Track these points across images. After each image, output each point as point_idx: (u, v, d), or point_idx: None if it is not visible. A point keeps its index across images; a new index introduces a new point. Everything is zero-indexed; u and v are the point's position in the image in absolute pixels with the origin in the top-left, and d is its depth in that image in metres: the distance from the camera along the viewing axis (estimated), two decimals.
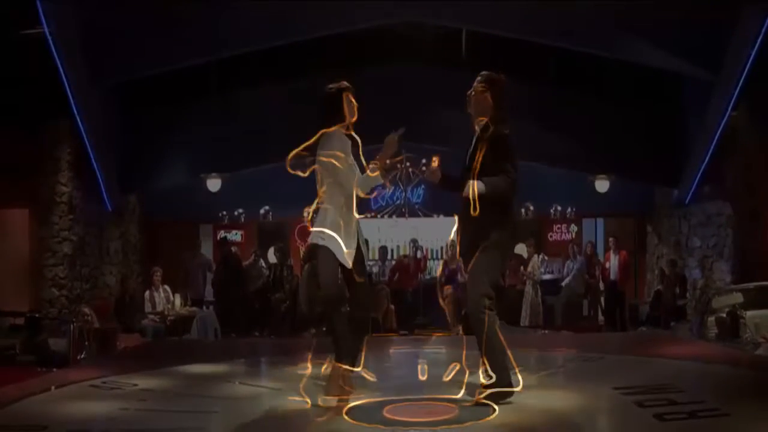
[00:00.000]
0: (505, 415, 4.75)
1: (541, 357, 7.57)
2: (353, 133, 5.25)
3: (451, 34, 14.34)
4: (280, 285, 13.72)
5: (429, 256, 15.91)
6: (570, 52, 13.64)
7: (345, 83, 5.23)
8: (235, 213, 16.08)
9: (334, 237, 5.03)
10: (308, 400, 5.03)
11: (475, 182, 5.07)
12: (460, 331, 10.94)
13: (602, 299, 14.70)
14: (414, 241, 15.19)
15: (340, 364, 4.99)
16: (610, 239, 15.00)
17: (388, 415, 4.82)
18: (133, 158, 13.78)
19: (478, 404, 4.99)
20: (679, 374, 6.06)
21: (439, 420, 4.67)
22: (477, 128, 5.34)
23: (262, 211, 15.83)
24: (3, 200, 12.32)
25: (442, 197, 5.61)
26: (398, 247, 16.01)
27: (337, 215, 5.07)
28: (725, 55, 11.68)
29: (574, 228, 16.65)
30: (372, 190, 5.30)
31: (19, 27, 11.14)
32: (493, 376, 5.06)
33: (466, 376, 5.19)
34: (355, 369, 5.24)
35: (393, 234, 16.00)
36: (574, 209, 16.21)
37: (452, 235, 5.40)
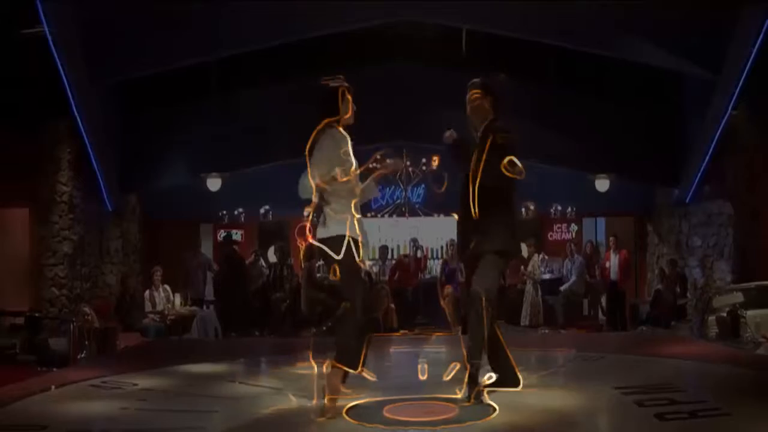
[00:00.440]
0: (505, 415, 4.75)
1: (541, 356, 7.57)
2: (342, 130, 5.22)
3: (451, 34, 14.33)
4: (280, 284, 13.72)
5: (429, 256, 15.91)
6: (570, 52, 13.63)
7: (344, 82, 5.22)
8: (235, 212, 16.06)
9: (342, 234, 5.01)
10: (314, 399, 5.02)
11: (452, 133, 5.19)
12: (460, 331, 10.93)
13: (603, 299, 14.69)
14: (414, 241, 15.18)
15: (339, 365, 4.97)
16: (610, 238, 15.00)
17: (388, 415, 4.82)
18: (133, 158, 13.77)
19: (477, 404, 4.99)
20: (679, 374, 6.07)
21: (439, 419, 4.67)
22: (477, 133, 5.36)
23: (262, 211, 15.81)
24: (3, 199, 12.32)
25: (442, 197, 5.58)
26: (398, 246, 16.01)
27: (341, 212, 5.05)
28: (725, 54, 11.67)
29: (574, 227, 16.65)
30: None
31: (19, 26, 11.13)
32: (493, 374, 5.09)
33: (467, 375, 5.18)
34: (356, 371, 5.24)
35: (393, 233, 15.99)
36: (574, 208, 16.19)
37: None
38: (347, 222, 5.02)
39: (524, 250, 14.37)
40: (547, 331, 12.67)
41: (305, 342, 5.59)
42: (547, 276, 14.39)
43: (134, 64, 12.25)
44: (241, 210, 16.02)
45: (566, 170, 14.71)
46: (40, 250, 12.53)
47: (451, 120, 5.48)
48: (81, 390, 5.89)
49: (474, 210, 5.17)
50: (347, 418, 4.78)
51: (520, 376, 5.40)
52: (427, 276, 14.98)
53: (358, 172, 5.18)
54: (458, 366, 5.89)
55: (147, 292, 12.65)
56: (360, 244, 5.09)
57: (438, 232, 15.55)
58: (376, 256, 15.30)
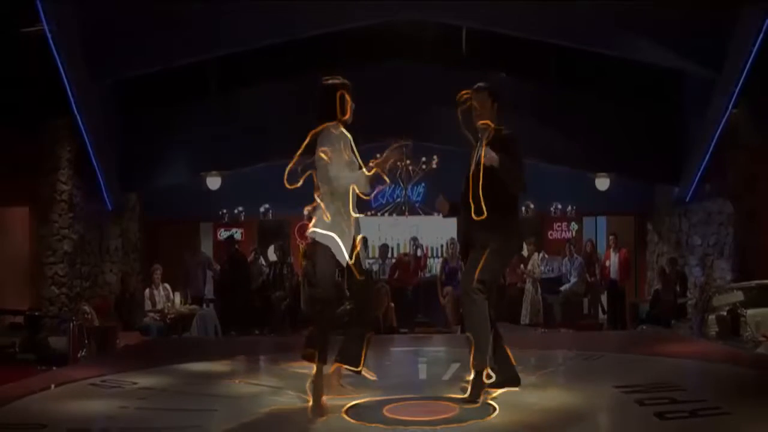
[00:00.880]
0: (506, 414, 4.75)
1: (541, 355, 7.56)
2: (344, 130, 5.22)
3: (451, 33, 14.33)
4: (281, 283, 13.73)
5: (429, 254, 15.91)
6: (570, 51, 13.63)
7: (343, 80, 5.22)
8: (235, 211, 16.07)
9: (332, 235, 5.02)
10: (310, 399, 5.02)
11: (491, 151, 5.09)
12: (460, 330, 10.93)
13: (603, 298, 14.69)
14: (414, 239, 15.19)
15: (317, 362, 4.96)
16: (610, 237, 15.01)
17: (388, 414, 4.82)
18: (133, 156, 13.76)
19: (478, 403, 4.99)
20: (679, 373, 6.07)
21: (440, 419, 4.66)
22: (480, 135, 5.36)
23: (262, 209, 15.82)
24: (3, 198, 12.31)
25: (453, 207, 5.59)
26: (398, 245, 16.00)
27: (336, 212, 5.06)
28: (726, 52, 11.68)
29: (574, 226, 16.65)
30: (372, 189, 5.30)
31: (19, 25, 11.13)
32: (492, 372, 5.08)
33: (472, 374, 5.16)
34: (355, 369, 5.24)
35: (393, 232, 15.99)
36: (574, 207, 16.20)
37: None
38: (335, 224, 5.03)
39: (524, 248, 14.39)
40: (546, 330, 12.65)
41: (305, 341, 5.56)
42: (547, 275, 14.38)
43: (134, 63, 12.25)
44: (241, 209, 16.03)
45: (566, 169, 14.72)
46: (40, 248, 12.53)
47: (452, 119, 5.47)
48: (81, 389, 5.89)
49: (475, 209, 5.18)
50: (347, 417, 4.78)
51: (520, 376, 5.40)
52: (427, 275, 14.98)
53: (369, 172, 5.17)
54: (458, 365, 5.89)
55: (147, 291, 12.64)
56: (356, 244, 5.09)
57: (438, 231, 15.55)
58: (376, 255, 15.30)
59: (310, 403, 4.89)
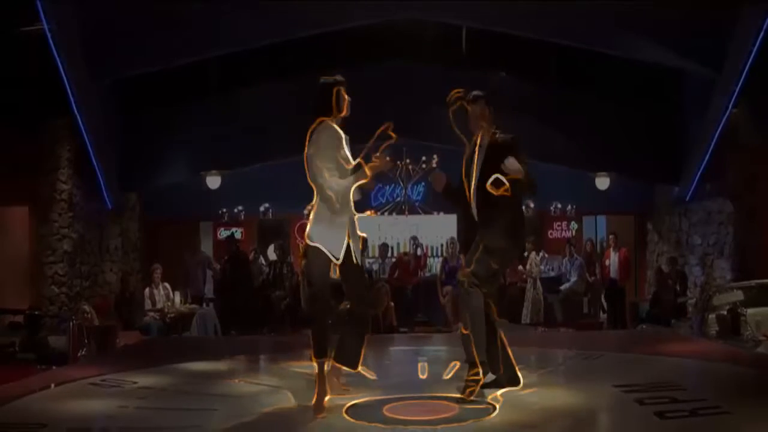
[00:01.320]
0: (505, 413, 4.75)
1: (541, 355, 7.56)
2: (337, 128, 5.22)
3: (451, 32, 14.32)
4: (280, 282, 13.71)
5: (429, 254, 15.90)
6: (570, 50, 13.63)
7: (339, 77, 5.23)
8: (235, 210, 16.07)
9: (327, 234, 5.02)
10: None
11: (514, 160, 5.08)
12: (461, 329, 10.92)
13: (603, 297, 14.68)
14: (414, 239, 15.18)
15: (317, 359, 4.96)
16: (610, 236, 15.00)
17: (388, 414, 4.82)
18: (133, 156, 13.76)
19: (477, 403, 4.99)
20: (679, 372, 6.06)
21: (439, 418, 4.66)
22: (477, 139, 5.36)
23: (262, 209, 15.82)
24: (3, 198, 12.31)
25: (449, 185, 5.57)
26: (398, 244, 15.99)
27: (331, 211, 5.06)
28: (726, 52, 11.68)
29: (574, 225, 16.65)
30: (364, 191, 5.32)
31: (19, 24, 11.12)
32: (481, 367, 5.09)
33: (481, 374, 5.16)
34: (353, 369, 5.23)
35: (393, 231, 15.98)
36: (574, 207, 16.19)
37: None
38: (329, 223, 5.03)
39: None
40: (546, 329, 12.64)
41: (305, 340, 5.57)
42: (546, 274, 14.38)
43: (134, 63, 12.25)
44: (240, 208, 16.03)
45: (566, 168, 14.71)
46: (40, 248, 12.52)
47: (461, 121, 5.49)
48: (80, 388, 5.89)
49: (475, 212, 5.21)
50: (347, 416, 4.78)
51: (520, 376, 5.40)
52: (427, 274, 14.97)
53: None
54: (458, 364, 5.89)
55: (147, 290, 12.63)
56: (342, 246, 5.09)
57: (438, 230, 15.55)
58: (376, 254, 15.30)
59: (312, 401, 4.89)
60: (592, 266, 14.49)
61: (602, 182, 14.73)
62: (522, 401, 5.06)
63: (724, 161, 12.99)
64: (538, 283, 13.98)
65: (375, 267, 14.97)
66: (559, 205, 16.13)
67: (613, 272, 14.30)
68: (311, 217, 5.14)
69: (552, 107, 13.99)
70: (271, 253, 14.89)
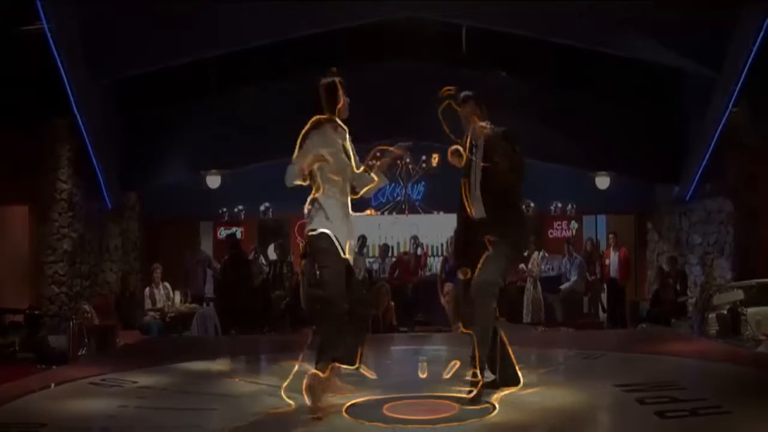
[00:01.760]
0: (506, 413, 4.74)
1: (541, 354, 7.56)
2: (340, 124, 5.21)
3: (451, 31, 14.32)
4: (280, 282, 13.71)
5: (429, 253, 15.91)
6: (570, 50, 13.62)
7: (337, 77, 5.22)
8: (235, 210, 16.07)
9: (335, 229, 5.01)
10: (291, 403, 4.98)
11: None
12: (460, 329, 10.91)
13: (603, 296, 14.69)
14: (414, 238, 15.18)
15: (319, 371, 4.89)
16: (610, 236, 15.00)
17: (388, 413, 4.81)
18: (133, 155, 13.76)
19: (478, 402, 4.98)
20: (680, 371, 6.06)
21: (439, 418, 4.66)
22: (475, 138, 5.35)
23: (262, 208, 15.82)
24: (3, 197, 12.31)
25: (442, 194, 5.57)
26: (399, 243, 16.00)
27: (335, 207, 5.05)
28: (726, 51, 11.67)
29: (574, 225, 16.65)
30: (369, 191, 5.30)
31: (19, 24, 11.12)
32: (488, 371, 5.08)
33: (480, 374, 5.14)
34: (352, 367, 5.22)
35: (393, 231, 15.99)
36: (574, 206, 16.20)
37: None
38: (331, 220, 5.02)
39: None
40: (546, 329, 12.64)
41: (305, 339, 5.56)
42: (547, 273, 14.37)
43: (134, 62, 12.24)
44: (240, 207, 16.03)
45: (566, 168, 14.71)
46: (40, 247, 12.52)
47: (451, 118, 5.47)
48: (80, 388, 5.89)
49: (476, 212, 5.20)
50: (347, 416, 4.78)
51: (520, 375, 5.40)
52: (428, 273, 14.97)
53: (360, 170, 5.18)
54: (458, 364, 5.89)
55: (147, 290, 12.64)
56: (346, 244, 5.07)
57: (438, 229, 15.54)
58: (376, 254, 15.31)
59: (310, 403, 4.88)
60: (592, 266, 14.49)
61: (602, 182, 14.73)
62: (522, 401, 5.06)
63: (724, 161, 12.99)
64: (538, 282, 13.99)
65: (375, 266, 14.98)
66: (559, 205, 16.14)
67: (613, 272, 14.31)
68: (315, 215, 5.11)
69: (552, 107, 13.99)
70: (271, 253, 14.89)
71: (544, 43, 13.43)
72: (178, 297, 12.84)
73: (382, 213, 15.67)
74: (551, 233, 16.57)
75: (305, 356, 5.26)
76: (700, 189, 13.63)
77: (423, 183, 15.39)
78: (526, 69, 14.62)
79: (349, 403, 5.03)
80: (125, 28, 11.65)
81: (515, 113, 12.91)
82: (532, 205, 15.18)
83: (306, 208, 5.19)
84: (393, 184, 15.68)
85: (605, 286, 14.61)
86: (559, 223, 16.63)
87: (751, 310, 9.68)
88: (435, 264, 15.34)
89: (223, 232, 16.32)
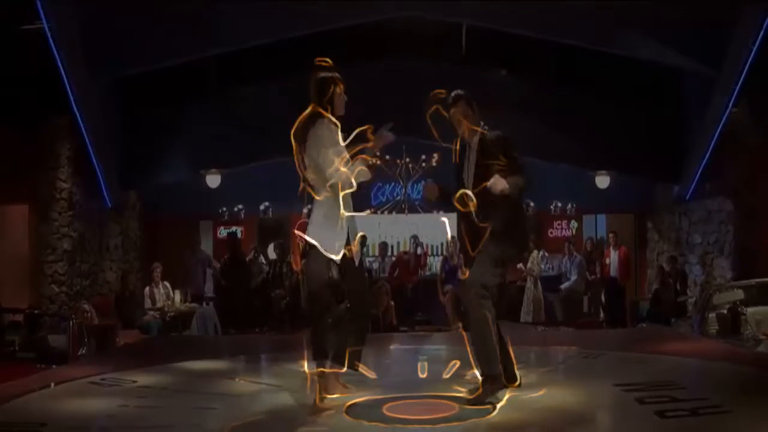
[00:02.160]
0: (505, 413, 4.74)
1: (541, 354, 7.56)
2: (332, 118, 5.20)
3: (451, 31, 14.31)
4: (280, 281, 13.71)
5: (429, 253, 15.91)
6: (570, 49, 13.62)
7: (336, 74, 5.22)
8: (235, 209, 16.07)
9: (326, 233, 5.00)
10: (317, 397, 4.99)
11: (500, 179, 4.94)
12: (460, 328, 10.92)
13: (603, 295, 14.68)
14: (414, 238, 15.17)
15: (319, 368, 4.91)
16: (610, 235, 15.00)
17: (388, 413, 4.81)
18: (132, 154, 13.76)
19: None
20: (680, 371, 6.05)
21: (439, 417, 4.65)
22: (466, 139, 5.32)
23: (262, 207, 15.83)
24: (3, 196, 12.31)
25: (443, 193, 5.53)
26: (398, 243, 16.00)
27: (331, 208, 5.05)
28: (726, 51, 11.67)
29: (574, 224, 16.65)
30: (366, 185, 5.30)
31: (19, 23, 11.11)
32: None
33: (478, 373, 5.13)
34: (342, 369, 5.21)
35: (393, 230, 15.98)
36: (574, 205, 16.20)
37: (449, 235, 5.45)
38: (327, 221, 5.02)
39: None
40: (546, 328, 12.64)
41: (305, 339, 5.56)
42: (546, 273, 14.37)
43: (134, 61, 12.24)
44: (240, 207, 16.03)
45: (566, 167, 14.71)
46: (40, 247, 12.52)
47: (442, 121, 5.46)
48: (80, 387, 5.88)
49: (466, 213, 5.18)
50: (347, 416, 4.77)
51: (518, 374, 5.38)
52: (428, 273, 14.97)
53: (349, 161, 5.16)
54: (458, 363, 5.88)
55: (147, 289, 12.63)
56: (343, 240, 5.06)
57: (438, 229, 15.50)
58: (376, 253, 15.31)
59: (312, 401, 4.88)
60: (592, 265, 14.49)
61: (602, 181, 14.72)
62: (522, 400, 5.05)
63: (724, 160, 12.99)
64: (539, 282, 13.99)
65: (375, 266, 14.98)
66: (559, 204, 16.14)
67: (613, 271, 14.30)
68: (312, 216, 5.13)
69: (552, 106, 13.99)
70: (271, 252, 14.89)
71: (544, 42, 13.43)
72: (177, 296, 12.83)
73: (382, 212, 15.66)
74: (551, 232, 16.58)
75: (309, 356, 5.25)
76: (701, 188, 13.63)
77: (423, 182, 15.37)
78: (526, 68, 14.62)
79: (349, 403, 5.03)
80: (125, 28, 11.65)
81: (515, 112, 12.97)
82: (531, 204, 15.17)
83: (307, 208, 5.20)
84: (393, 184, 15.68)
85: (605, 286, 14.61)
86: (559, 222, 16.64)
87: (751, 309, 9.68)
88: (435, 263, 15.34)
89: (223, 231, 16.33)
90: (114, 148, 13.36)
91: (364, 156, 5.14)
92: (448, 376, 5.93)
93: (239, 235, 15.63)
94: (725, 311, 9.83)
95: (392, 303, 12.23)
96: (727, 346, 8.00)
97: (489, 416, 4.67)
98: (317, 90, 5.17)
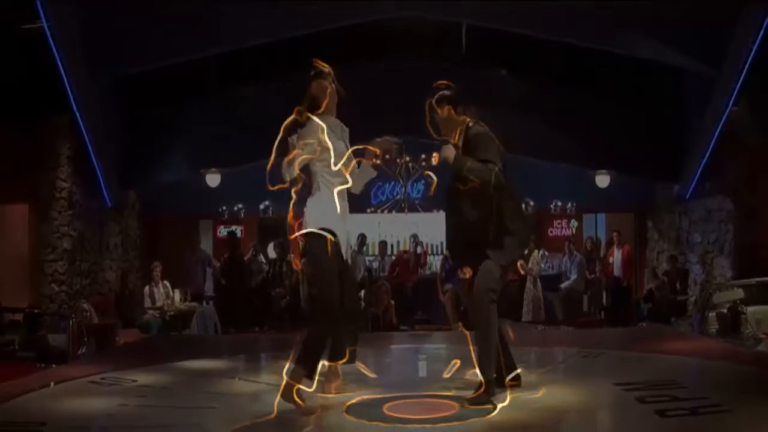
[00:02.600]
0: (506, 412, 4.74)
1: (541, 353, 7.55)
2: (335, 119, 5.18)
3: (451, 30, 14.31)
4: (280, 280, 13.71)
5: (429, 252, 15.91)
6: (571, 49, 13.62)
7: (324, 69, 5.22)
8: (235, 208, 16.07)
9: (324, 228, 5.00)
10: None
11: (451, 148, 5.03)
12: (460, 327, 10.91)
13: (603, 295, 14.68)
14: (414, 237, 15.17)
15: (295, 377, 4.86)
16: (614, 234, 14.98)
17: (388, 412, 4.81)
18: (132, 153, 13.75)
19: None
20: (680, 370, 6.05)
21: (440, 417, 4.65)
22: (456, 139, 5.27)
23: (261, 207, 15.82)
24: (3, 196, 12.31)
25: (443, 193, 5.52)
26: (398, 242, 16.00)
27: (328, 204, 5.04)
28: (726, 50, 11.67)
29: (574, 223, 16.65)
30: (366, 185, 5.29)
31: (19, 22, 11.10)
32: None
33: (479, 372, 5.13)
34: (341, 361, 5.18)
35: (393, 229, 15.99)
36: (574, 205, 16.20)
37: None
38: (323, 214, 5.00)
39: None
40: (545, 327, 12.64)
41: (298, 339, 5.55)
42: (546, 272, 14.37)
43: (134, 60, 12.24)
44: (240, 206, 16.03)
45: (566, 166, 14.72)
46: (40, 246, 12.52)
47: None
48: (80, 386, 5.88)
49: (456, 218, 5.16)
50: (347, 415, 4.77)
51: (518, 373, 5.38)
52: (428, 272, 14.97)
53: (352, 163, 5.16)
54: (458, 363, 5.88)
55: (146, 288, 12.64)
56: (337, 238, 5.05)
57: (438, 228, 15.53)
58: (376, 252, 15.30)
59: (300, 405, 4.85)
60: (592, 264, 14.49)
61: (602, 180, 14.72)
62: (522, 400, 5.05)
63: (724, 159, 12.99)
64: (538, 281, 13.99)
65: (375, 265, 14.97)
66: (559, 203, 16.14)
67: (617, 270, 14.29)
68: (308, 208, 5.11)
69: (552, 105, 13.98)
70: (271, 252, 14.89)
71: (544, 41, 13.43)
72: (177, 295, 12.84)
73: (382, 211, 15.66)
74: (551, 232, 16.59)
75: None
76: (700, 187, 13.63)
77: (422, 181, 15.38)
78: (526, 68, 14.61)
79: (349, 403, 5.02)
80: (125, 27, 11.64)
81: (515, 112, 12.96)
82: (531, 203, 15.18)
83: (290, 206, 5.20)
84: (393, 183, 15.68)
85: (605, 284, 14.60)
86: (559, 221, 16.64)
87: (751, 308, 9.67)
88: (435, 262, 15.34)
89: (222, 231, 16.33)
90: (114, 148, 13.36)
91: (365, 159, 5.14)
92: (448, 375, 5.94)
93: (239, 234, 15.63)
94: (725, 310, 9.83)
95: (392, 302, 12.23)
96: (727, 345, 8.00)
97: (489, 416, 4.67)
98: (306, 92, 5.18)
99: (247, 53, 13.61)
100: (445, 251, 14.22)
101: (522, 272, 13.92)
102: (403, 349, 8.48)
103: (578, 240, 15.44)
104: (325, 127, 5.05)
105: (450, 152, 5.04)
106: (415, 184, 15.67)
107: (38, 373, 7.07)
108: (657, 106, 14.42)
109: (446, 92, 5.28)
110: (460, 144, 5.20)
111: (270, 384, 5.86)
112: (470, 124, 5.21)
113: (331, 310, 4.92)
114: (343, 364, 5.24)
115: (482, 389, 4.96)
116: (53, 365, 8.06)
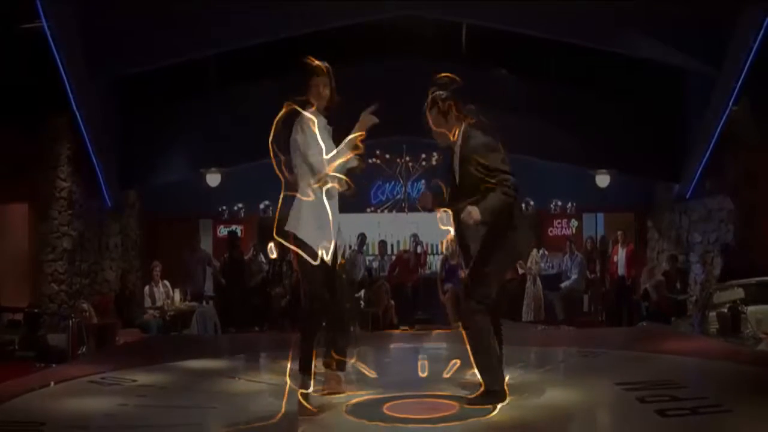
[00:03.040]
0: (506, 412, 4.73)
1: (541, 353, 7.55)
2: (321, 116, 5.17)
3: (451, 30, 14.30)
4: (280, 280, 13.72)
5: (429, 251, 15.90)
6: (571, 48, 13.61)
7: (318, 65, 5.21)
8: (235, 208, 16.07)
9: (309, 233, 4.97)
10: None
11: (474, 209, 4.80)
12: (461, 327, 10.90)
13: (603, 294, 14.67)
14: (414, 236, 15.16)
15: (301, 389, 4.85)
16: (618, 233, 14.91)
17: (388, 412, 4.81)
18: (132, 153, 13.75)
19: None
20: (680, 370, 6.05)
21: (440, 417, 4.65)
22: (451, 140, 5.20)
23: (261, 206, 15.82)
24: (3, 195, 12.30)
25: (437, 201, 5.51)
26: (398, 242, 15.99)
27: (313, 205, 5.02)
28: (727, 49, 11.67)
29: (574, 223, 16.65)
30: (348, 185, 5.24)
31: (19, 21, 11.10)
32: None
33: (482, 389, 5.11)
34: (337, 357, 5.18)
35: (393, 229, 15.98)
36: (574, 204, 16.20)
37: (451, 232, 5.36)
38: (312, 214, 5.01)
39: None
40: (546, 327, 12.64)
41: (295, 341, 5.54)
42: (547, 271, 14.37)
43: (134, 60, 12.24)
44: (240, 205, 16.03)
45: (566, 166, 14.71)
46: (40, 246, 12.51)
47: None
48: (80, 386, 5.88)
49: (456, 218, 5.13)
50: (347, 415, 4.77)
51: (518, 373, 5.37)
52: (428, 272, 14.96)
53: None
54: (458, 362, 5.88)
55: (146, 288, 12.64)
56: (329, 239, 5.01)
57: (438, 228, 15.48)
58: (376, 252, 15.30)
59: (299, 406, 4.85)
60: (592, 264, 14.48)
61: (602, 179, 14.72)
62: (522, 399, 5.05)
63: (725, 158, 12.98)
64: (539, 280, 13.98)
65: (375, 265, 14.97)
66: (560, 203, 16.14)
67: (621, 269, 14.29)
68: (293, 210, 5.10)
69: (552, 105, 13.98)
70: (271, 251, 14.86)
71: (544, 41, 13.42)
72: (177, 295, 12.83)
73: (382, 211, 15.65)
74: (551, 231, 16.58)
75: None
76: (701, 187, 13.63)
77: (423, 181, 15.37)
78: (526, 67, 14.61)
79: (349, 402, 5.02)
80: (125, 27, 11.64)
81: (515, 112, 12.95)
82: (531, 203, 15.17)
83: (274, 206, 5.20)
84: (393, 182, 15.67)
85: (609, 283, 14.58)
86: (559, 221, 16.64)
87: (751, 308, 9.65)
88: (435, 262, 15.33)
89: (222, 230, 16.32)
90: (114, 148, 13.36)
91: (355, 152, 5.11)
92: (448, 375, 5.93)
93: (239, 233, 15.61)
94: (725, 310, 9.80)
95: (392, 302, 12.26)
96: (727, 345, 8.00)
97: (489, 416, 4.66)
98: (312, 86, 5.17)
99: (247, 53, 13.60)
100: (445, 251, 14.21)
101: (521, 271, 13.95)
102: (403, 349, 8.48)
103: (578, 239, 15.43)
104: (315, 121, 5.03)
105: (475, 215, 4.81)
106: (415, 184, 15.67)
107: (38, 372, 7.08)
108: (657, 105, 14.41)
109: (451, 88, 5.22)
110: (459, 143, 5.14)
111: (270, 384, 5.86)
112: (471, 127, 5.14)
113: (316, 307, 4.92)
114: (339, 364, 5.22)
115: (482, 390, 4.95)
116: (53, 365, 8.06)
